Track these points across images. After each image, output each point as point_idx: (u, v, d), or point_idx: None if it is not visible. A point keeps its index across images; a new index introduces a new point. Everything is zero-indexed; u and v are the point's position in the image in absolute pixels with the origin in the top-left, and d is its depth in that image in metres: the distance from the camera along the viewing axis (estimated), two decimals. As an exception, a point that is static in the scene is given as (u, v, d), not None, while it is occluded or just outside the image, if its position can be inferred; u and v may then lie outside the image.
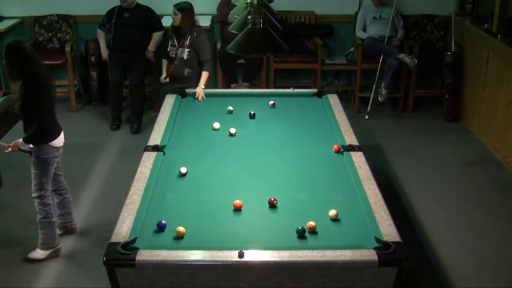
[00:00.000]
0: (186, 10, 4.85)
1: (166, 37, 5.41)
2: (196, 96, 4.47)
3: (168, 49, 4.99)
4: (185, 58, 4.87)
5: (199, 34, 4.89)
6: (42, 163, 3.43)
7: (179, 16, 4.82)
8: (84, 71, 6.36)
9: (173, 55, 4.93)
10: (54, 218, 3.57)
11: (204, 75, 4.76)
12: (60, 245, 3.63)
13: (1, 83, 6.42)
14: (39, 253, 3.56)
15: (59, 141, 3.51)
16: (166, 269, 2.37)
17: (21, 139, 3.41)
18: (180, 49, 4.89)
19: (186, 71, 4.90)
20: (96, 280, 3.29)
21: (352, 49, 6.42)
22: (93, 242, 3.74)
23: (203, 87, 4.59)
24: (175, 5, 4.90)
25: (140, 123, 5.72)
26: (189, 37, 4.84)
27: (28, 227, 4.00)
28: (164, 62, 5.09)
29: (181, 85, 4.76)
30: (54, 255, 3.59)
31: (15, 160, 4.98)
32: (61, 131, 3.52)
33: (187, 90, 4.54)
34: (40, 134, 3.37)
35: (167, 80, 4.99)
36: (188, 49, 4.85)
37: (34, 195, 3.47)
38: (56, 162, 3.54)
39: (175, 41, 4.92)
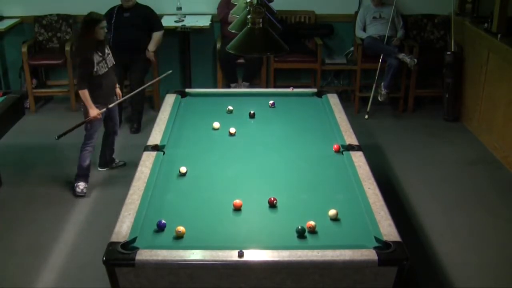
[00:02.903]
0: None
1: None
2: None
3: (95, 69, 4.20)
4: (114, 62, 4.46)
5: None
6: None
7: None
8: (84, 71, 6.35)
9: (106, 69, 4.30)
10: None
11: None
12: None
13: (1, 83, 6.42)
14: None
15: None
16: (166, 268, 2.37)
17: None
18: (108, 57, 4.35)
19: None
20: (96, 280, 3.29)
21: (352, 48, 6.42)
22: (92, 241, 3.74)
23: None
24: (103, 20, 4.26)
25: (140, 122, 5.71)
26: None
27: (28, 227, 4.00)
28: (86, 94, 4.21)
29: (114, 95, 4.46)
30: None
31: (15, 160, 5.00)
32: None
33: (187, 90, 4.54)
34: None
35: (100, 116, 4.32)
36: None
37: None
38: None
39: (99, 54, 4.25)
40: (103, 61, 4.28)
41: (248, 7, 2.73)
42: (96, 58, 4.21)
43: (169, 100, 4.28)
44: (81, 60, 4.21)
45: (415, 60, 5.67)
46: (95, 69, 4.20)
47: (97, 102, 4.28)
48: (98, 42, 4.23)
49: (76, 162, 4.44)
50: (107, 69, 4.31)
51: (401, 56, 5.74)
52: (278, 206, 2.83)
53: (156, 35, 5.71)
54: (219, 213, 2.78)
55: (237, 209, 2.79)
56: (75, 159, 4.43)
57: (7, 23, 6.09)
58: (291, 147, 3.58)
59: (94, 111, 4.24)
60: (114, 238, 2.48)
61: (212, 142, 3.64)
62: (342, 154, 3.41)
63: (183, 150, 3.50)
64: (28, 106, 6.04)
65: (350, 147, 3.45)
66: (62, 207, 4.24)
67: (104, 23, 4.25)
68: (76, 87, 4.38)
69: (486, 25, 5.40)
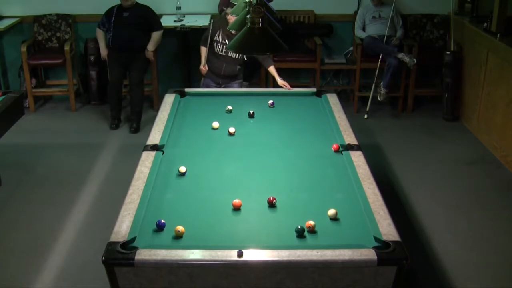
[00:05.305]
0: None
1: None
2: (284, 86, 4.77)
3: (214, 46, 4.93)
4: (245, 58, 5.01)
5: None
6: None
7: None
8: (84, 71, 6.36)
9: (223, 53, 4.91)
10: None
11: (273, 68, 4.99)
12: None
13: (1, 83, 6.42)
14: None
15: None
16: (166, 268, 2.37)
17: None
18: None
19: (237, 67, 5.06)
20: (96, 280, 3.29)
21: (351, 48, 6.42)
22: (92, 241, 3.74)
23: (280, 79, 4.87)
24: (228, 7, 4.75)
25: (139, 122, 5.72)
26: None
27: (27, 227, 4.00)
28: (201, 50, 5.06)
29: (229, 81, 5.04)
30: None
31: (15, 160, 5.00)
32: None
33: (187, 90, 4.54)
34: None
35: (206, 68, 5.03)
36: None
37: None
38: None
39: (227, 40, 4.85)
40: (222, 45, 4.89)
41: (248, 7, 2.73)
42: (218, 37, 4.89)
43: (168, 99, 4.28)
44: (209, 25, 4.96)
45: (415, 60, 5.67)
46: (214, 46, 4.91)
47: (209, 69, 5.02)
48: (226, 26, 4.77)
49: (74, 162, 4.43)
50: (224, 54, 4.91)
51: (401, 55, 5.74)
52: (277, 205, 2.83)
53: (155, 35, 5.71)
54: (218, 212, 2.78)
55: (237, 208, 2.79)
56: (75, 159, 4.43)
57: (6, 23, 6.08)
58: (290, 146, 3.57)
59: (201, 65, 5.01)
60: (113, 238, 2.48)
61: (211, 142, 3.64)
62: (342, 153, 3.41)
63: (182, 150, 3.50)
64: (27, 106, 6.05)
65: (350, 147, 3.45)
66: (62, 207, 4.24)
67: (228, 10, 4.69)
68: None
69: (485, 24, 5.40)
